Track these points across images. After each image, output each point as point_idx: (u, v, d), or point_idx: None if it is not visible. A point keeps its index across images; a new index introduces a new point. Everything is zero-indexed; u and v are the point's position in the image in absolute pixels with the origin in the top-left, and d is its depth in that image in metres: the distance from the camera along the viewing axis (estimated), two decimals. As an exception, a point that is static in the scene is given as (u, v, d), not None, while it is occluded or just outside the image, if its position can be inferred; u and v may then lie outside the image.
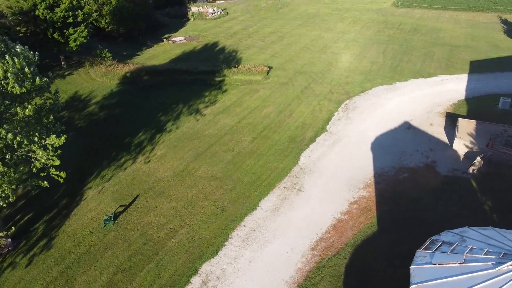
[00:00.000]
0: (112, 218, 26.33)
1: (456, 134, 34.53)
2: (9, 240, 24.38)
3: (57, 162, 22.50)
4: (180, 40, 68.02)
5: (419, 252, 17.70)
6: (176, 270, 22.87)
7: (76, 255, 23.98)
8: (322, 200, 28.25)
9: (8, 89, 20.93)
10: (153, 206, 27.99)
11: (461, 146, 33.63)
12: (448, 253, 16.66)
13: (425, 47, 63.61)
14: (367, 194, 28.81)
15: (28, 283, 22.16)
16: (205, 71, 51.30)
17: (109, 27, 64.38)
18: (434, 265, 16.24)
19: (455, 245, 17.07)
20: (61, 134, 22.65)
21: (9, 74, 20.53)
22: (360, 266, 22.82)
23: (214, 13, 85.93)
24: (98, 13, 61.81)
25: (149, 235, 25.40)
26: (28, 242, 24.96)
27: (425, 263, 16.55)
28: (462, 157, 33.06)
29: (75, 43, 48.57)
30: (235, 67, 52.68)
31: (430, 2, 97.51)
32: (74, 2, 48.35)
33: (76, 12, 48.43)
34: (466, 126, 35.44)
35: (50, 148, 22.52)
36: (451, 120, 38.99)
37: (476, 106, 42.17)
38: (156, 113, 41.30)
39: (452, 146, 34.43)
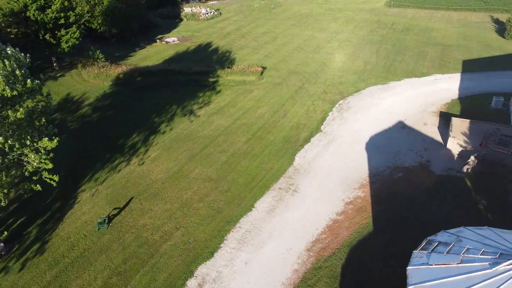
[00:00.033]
0: (106, 221, 26.08)
1: (450, 133, 34.66)
2: (2, 244, 24.03)
3: (50, 166, 22.24)
4: (173, 41, 67.72)
5: (415, 252, 17.69)
6: (171, 273, 22.68)
7: (70, 259, 23.71)
8: (318, 201, 28.20)
9: (-1, 92, 20.66)
10: (148, 208, 27.76)
11: (455, 145, 33.75)
12: (444, 253, 16.66)
13: (418, 46, 63.89)
14: (362, 194, 28.80)
15: (21, 288, 21.88)
16: (199, 71, 51.09)
17: (102, 28, 63.96)
18: (431, 266, 16.23)
19: (451, 245, 17.07)
20: (53, 137, 22.39)
21: (-1, 77, 20.26)
22: (356, 267, 22.79)
23: (207, 13, 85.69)
24: (90, 14, 61.40)
25: (144, 238, 25.18)
26: (21, 247, 24.63)
27: (422, 264, 16.54)
28: (456, 156, 33.19)
29: (67, 45, 48.15)
30: (228, 67, 52.53)
31: (422, 1, 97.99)
32: (66, 3, 47.89)
33: (68, 13, 47.98)
34: (460, 125, 35.59)
35: (42, 151, 22.25)
36: (444, 120, 39.14)
37: (469, 105, 42.39)
38: (149, 114, 41.03)
39: (446, 145, 34.55)
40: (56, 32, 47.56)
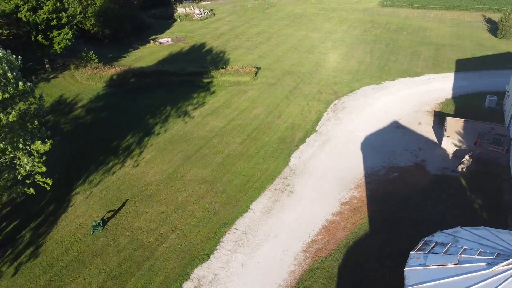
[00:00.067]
0: (101, 224, 25.82)
1: (445, 132, 34.76)
2: (-6, 249, 23.77)
3: (43, 169, 21.98)
4: (167, 42, 67.41)
5: (412, 253, 17.66)
6: (167, 276, 22.51)
7: (64, 262, 23.45)
8: (313, 201, 28.14)
9: (-9, 95, 20.38)
10: (143, 210, 27.55)
11: (449, 144, 33.86)
12: (442, 254, 16.64)
13: (412, 46, 64.11)
14: (358, 195, 28.79)
15: (15, 293, 21.62)
16: (193, 72, 50.87)
17: (94, 29, 63.48)
18: (429, 267, 16.20)
19: (448, 246, 17.06)
20: (46, 140, 22.12)
21: (-9, 80, 19.99)
22: (353, 267, 22.76)
23: (201, 14, 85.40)
24: (82, 15, 60.89)
25: (139, 241, 24.97)
26: (15, 251, 24.32)
27: (419, 265, 16.51)
28: (450, 155, 33.29)
29: (59, 46, 47.68)
30: (223, 68, 52.37)
31: (415, 1, 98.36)
32: (58, 4, 47.38)
33: (60, 14, 47.49)
34: (454, 124, 35.71)
35: (35, 154, 21.98)
36: (439, 119, 39.27)
37: (463, 104, 42.57)
38: (143, 116, 40.76)
39: (440, 144, 34.65)
40: (48, 33, 47.09)
